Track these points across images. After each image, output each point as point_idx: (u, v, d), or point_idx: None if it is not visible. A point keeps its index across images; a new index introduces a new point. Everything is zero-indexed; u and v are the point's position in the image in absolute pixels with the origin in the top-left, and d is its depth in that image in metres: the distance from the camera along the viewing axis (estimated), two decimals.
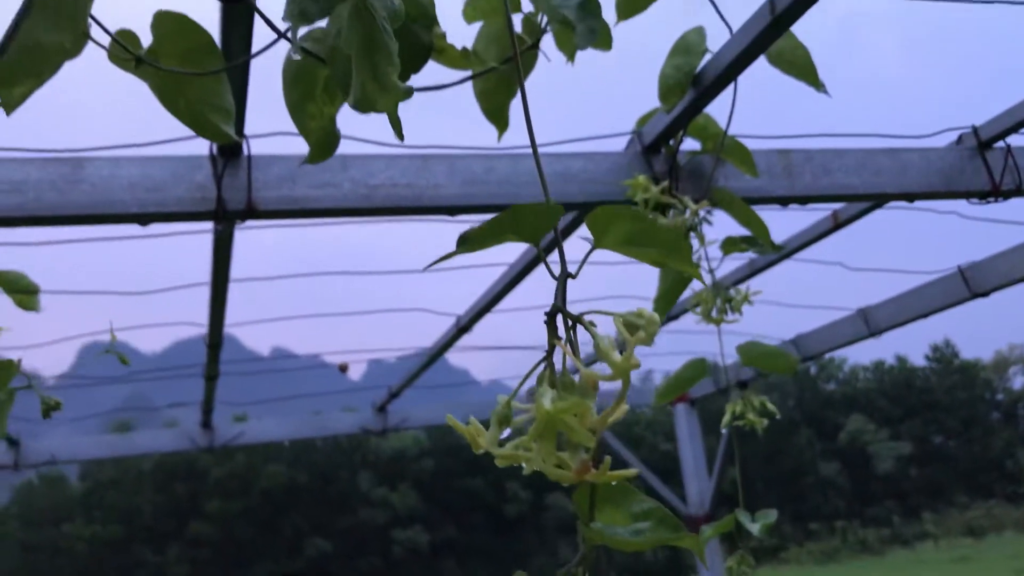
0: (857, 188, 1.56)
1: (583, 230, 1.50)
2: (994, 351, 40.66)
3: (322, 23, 0.61)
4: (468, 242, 0.49)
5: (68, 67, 0.66)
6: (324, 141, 0.77)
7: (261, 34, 1.10)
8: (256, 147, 1.32)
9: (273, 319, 3.03)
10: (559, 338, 0.47)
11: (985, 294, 2.23)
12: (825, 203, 1.71)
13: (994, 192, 1.63)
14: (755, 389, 1.38)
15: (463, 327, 2.63)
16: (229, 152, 1.31)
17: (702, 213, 1.29)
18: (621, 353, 0.44)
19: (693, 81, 1.29)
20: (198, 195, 1.30)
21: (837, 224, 2.08)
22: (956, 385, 37.46)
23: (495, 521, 33.14)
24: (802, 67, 1.26)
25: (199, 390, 3.07)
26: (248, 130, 1.29)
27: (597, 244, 0.51)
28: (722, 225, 1.34)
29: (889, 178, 1.57)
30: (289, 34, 0.65)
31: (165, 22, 0.72)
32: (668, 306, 1.28)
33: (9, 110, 0.66)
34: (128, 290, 2.48)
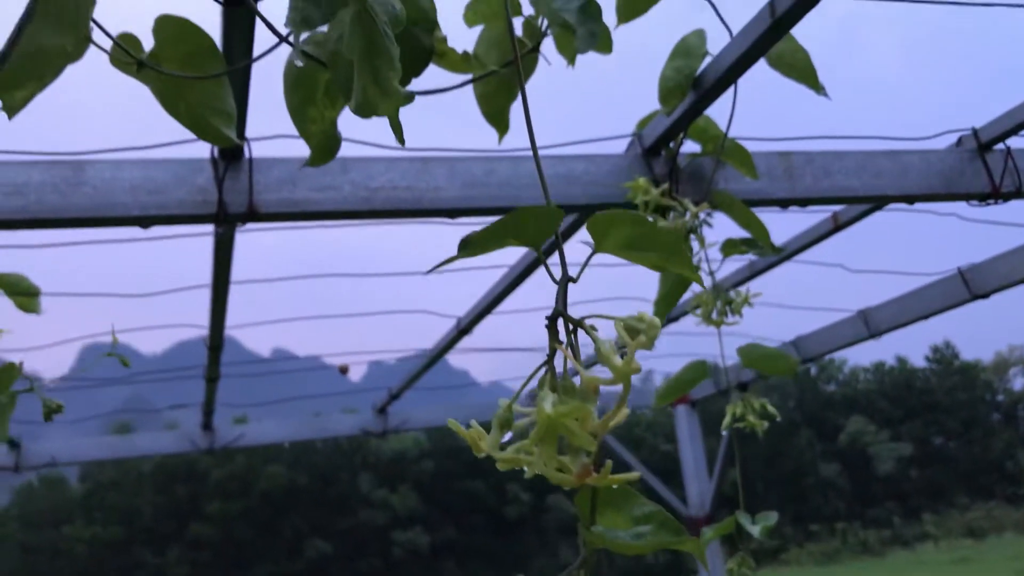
0: (857, 190, 1.56)
1: (583, 233, 1.50)
2: (994, 352, 40.68)
3: (323, 27, 0.61)
4: (470, 246, 0.49)
5: (70, 70, 0.66)
6: (325, 144, 0.77)
7: (262, 37, 1.10)
8: (257, 150, 1.32)
9: (274, 321, 3.03)
10: (560, 342, 0.47)
11: (985, 295, 2.23)
12: (825, 205, 1.70)
13: (994, 194, 1.63)
14: (755, 391, 1.38)
15: (463, 329, 2.63)
16: (230, 155, 1.31)
17: (702, 215, 1.29)
18: (622, 357, 0.44)
19: (693, 83, 1.30)
20: (199, 198, 1.30)
21: (837, 226, 2.08)
22: (956, 386, 37.43)
23: (495, 523, 33.11)
24: (802, 70, 1.26)
25: (200, 392, 3.07)
26: (249, 133, 1.29)
27: (597, 248, 0.51)
28: (722, 227, 1.35)
29: (889, 180, 1.58)
30: (291, 38, 0.65)
31: (167, 26, 0.72)
32: (668, 308, 1.28)
33: (11, 113, 0.66)
34: (129, 292, 2.49)
